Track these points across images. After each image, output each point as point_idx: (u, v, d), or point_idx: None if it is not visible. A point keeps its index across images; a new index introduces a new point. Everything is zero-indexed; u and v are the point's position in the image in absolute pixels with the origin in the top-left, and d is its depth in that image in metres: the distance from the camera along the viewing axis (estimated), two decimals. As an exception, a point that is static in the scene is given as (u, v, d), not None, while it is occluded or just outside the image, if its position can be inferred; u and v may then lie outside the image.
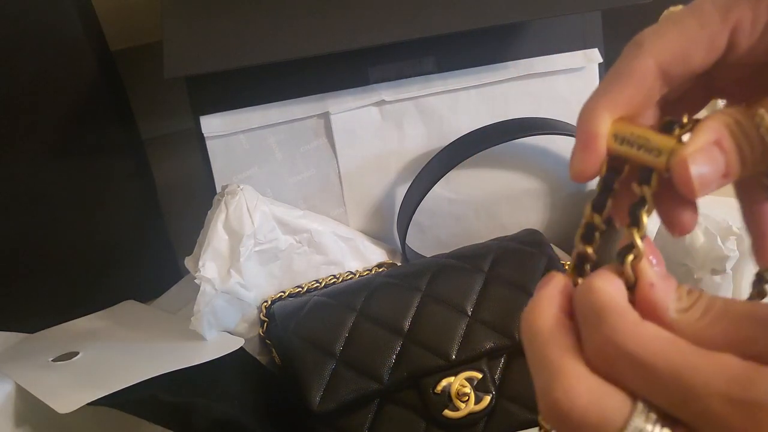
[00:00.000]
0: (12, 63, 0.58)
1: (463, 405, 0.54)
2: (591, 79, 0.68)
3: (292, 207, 0.63)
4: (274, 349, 0.61)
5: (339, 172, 0.66)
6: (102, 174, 0.66)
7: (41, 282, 0.71)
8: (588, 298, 0.25)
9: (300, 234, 0.61)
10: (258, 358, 0.61)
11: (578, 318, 0.26)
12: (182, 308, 0.61)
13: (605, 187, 0.28)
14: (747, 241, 0.47)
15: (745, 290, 0.49)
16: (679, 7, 0.28)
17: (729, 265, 0.48)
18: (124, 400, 0.47)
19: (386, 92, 0.64)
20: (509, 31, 0.66)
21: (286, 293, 0.62)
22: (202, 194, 0.63)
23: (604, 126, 0.27)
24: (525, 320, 0.26)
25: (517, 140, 0.65)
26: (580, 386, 0.24)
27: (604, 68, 0.68)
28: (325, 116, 0.64)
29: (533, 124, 0.64)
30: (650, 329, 0.24)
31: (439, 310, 0.57)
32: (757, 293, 0.34)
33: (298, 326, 0.56)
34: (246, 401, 0.55)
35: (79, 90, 0.61)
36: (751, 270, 0.49)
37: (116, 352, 0.54)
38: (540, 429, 0.32)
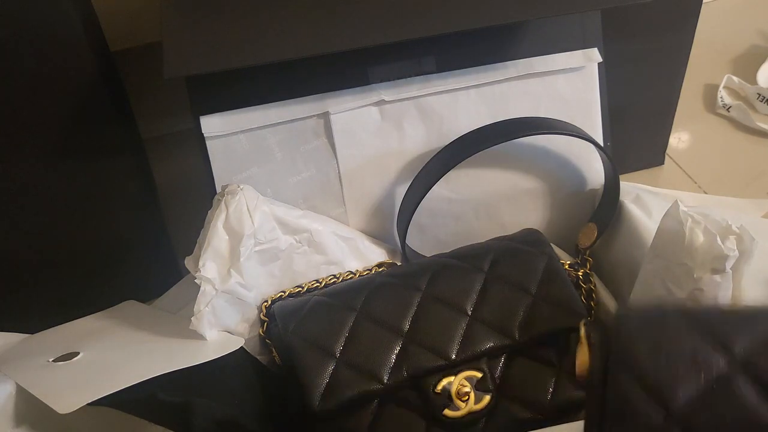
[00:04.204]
0: (12, 63, 0.58)
1: (463, 404, 0.54)
2: (590, 79, 0.68)
3: (292, 207, 0.63)
4: (274, 349, 0.61)
5: (339, 171, 0.66)
6: (102, 174, 0.67)
7: (41, 282, 0.71)
8: None
9: (300, 234, 0.61)
10: (258, 358, 0.61)
11: None
12: (182, 308, 0.61)
13: None
14: (746, 241, 0.48)
15: (745, 290, 0.49)
16: None
17: (729, 265, 0.48)
18: (124, 400, 0.47)
19: (386, 92, 0.64)
20: (509, 30, 0.66)
21: (286, 293, 0.62)
22: (202, 194, 0.63)
23: None
24: None
25: (517, 140, 0.65)
26: None
27: (604, 68, 0.68)
28: (325, 116, 0.64)
29: (533, 123, 0.64)
30: None
31: (439, 310, 0.57)
32: None
33: (298, 326, 0.56)
34: (246, 401, 0.55)
35: (79, 90, 0.61)
36: (750, 270, 0.49)
37: (116, 352, 0.53)
38: None
